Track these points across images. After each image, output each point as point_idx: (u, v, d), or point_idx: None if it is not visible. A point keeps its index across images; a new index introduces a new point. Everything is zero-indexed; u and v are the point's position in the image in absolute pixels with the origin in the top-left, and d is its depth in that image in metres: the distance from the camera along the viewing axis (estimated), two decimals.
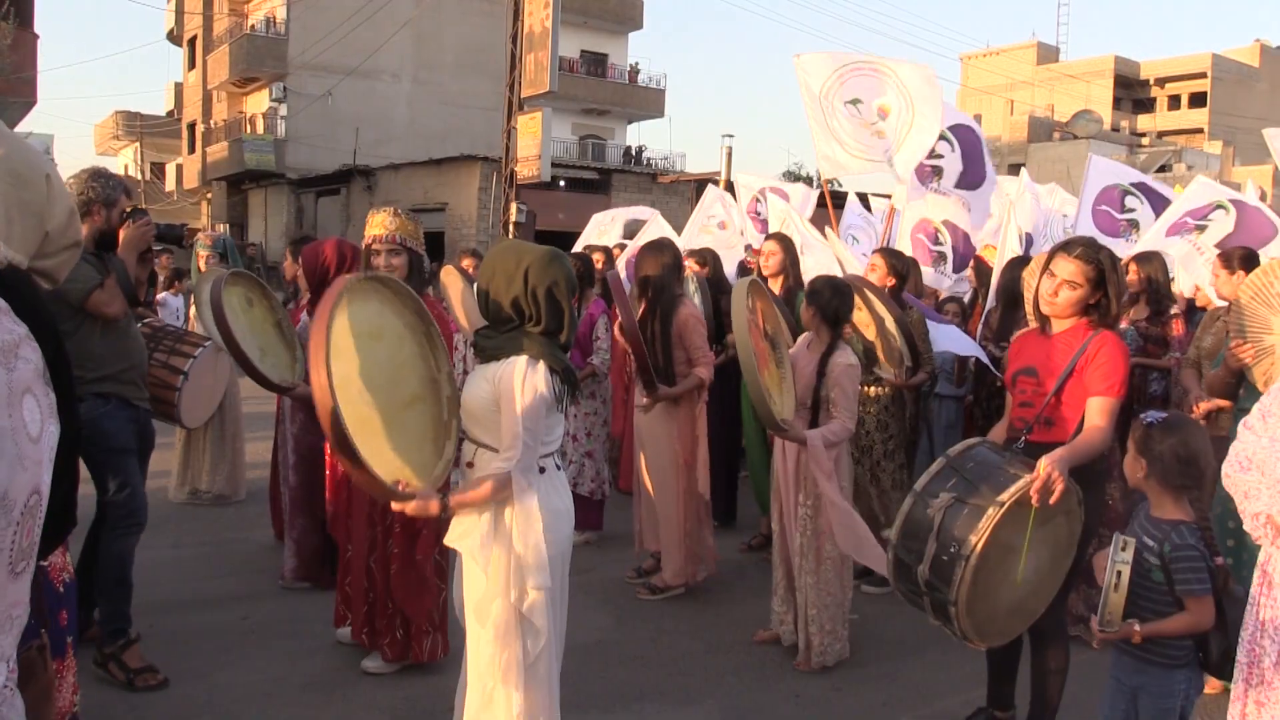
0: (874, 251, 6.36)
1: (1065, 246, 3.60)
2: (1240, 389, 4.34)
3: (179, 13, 42.48)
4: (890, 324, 5.38)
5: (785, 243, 6.44)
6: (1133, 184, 7.43)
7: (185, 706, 3.94)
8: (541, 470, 3.02)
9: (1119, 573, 2.73)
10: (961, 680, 4.32)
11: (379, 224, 4.22)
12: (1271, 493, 2.05)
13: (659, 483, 5.37)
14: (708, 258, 6.88)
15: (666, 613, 5.20)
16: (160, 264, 14.22)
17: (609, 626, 4.97)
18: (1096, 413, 3.40)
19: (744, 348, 4.13)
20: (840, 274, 6.18)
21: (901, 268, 5.99)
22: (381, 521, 4.24)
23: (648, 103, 42.12)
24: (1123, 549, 2.77)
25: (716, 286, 6.66)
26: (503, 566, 3.00)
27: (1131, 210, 7.33)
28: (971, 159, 8.19)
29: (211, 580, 5.45)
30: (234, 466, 7.16)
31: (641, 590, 5.43)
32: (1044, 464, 3.12)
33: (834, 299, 4.51)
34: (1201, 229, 6.51)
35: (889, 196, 9.25)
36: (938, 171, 8.35)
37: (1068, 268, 3.50)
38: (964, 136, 8.19)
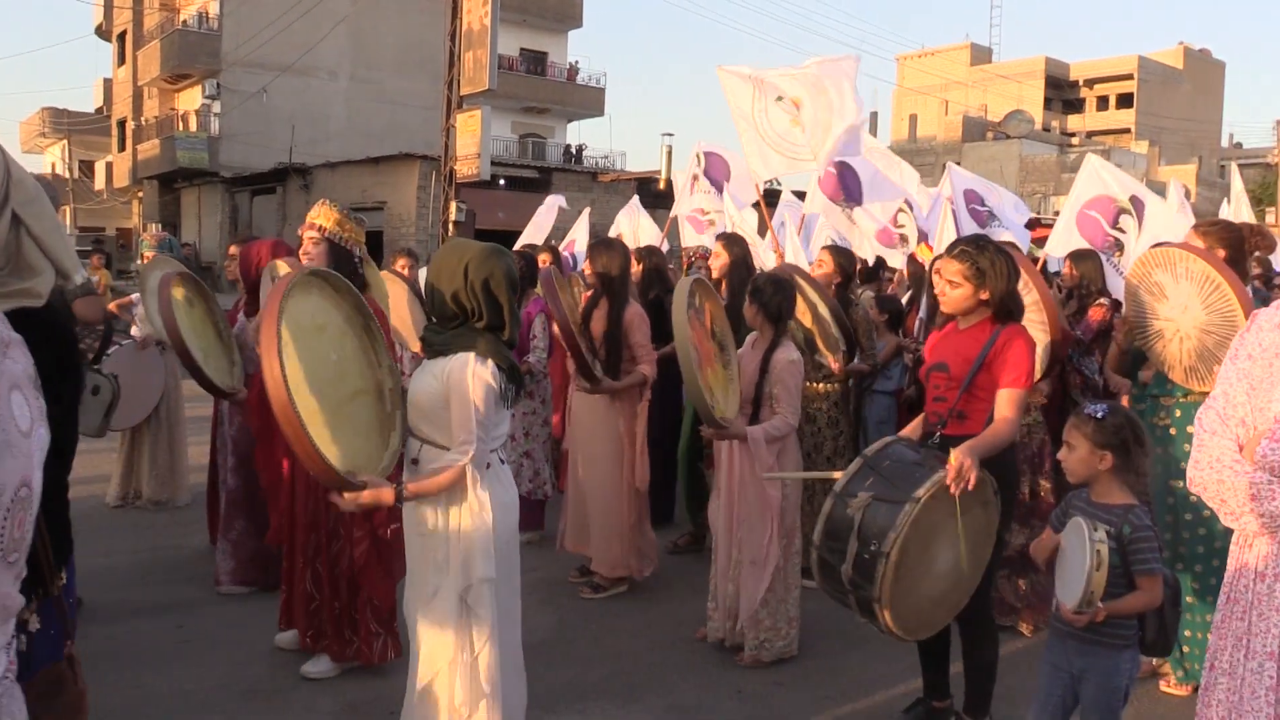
0: (822, 249, 6.34)
1: (950, 246, 3.76)
2: (1142, 370, 4.50)
3: (108, 7, 41.43)
4: (823, 309, 5.44)
5: (731, 242, 6.24)
6: (1132, 198, 6.51)
7: (118, 717, 3.85)
8: (487, 465, 3.05)
9: (1098, 552, 2.76)
10: (901, 672, 4.39)
11: (310, 213, 4.27)
12: None
13: (599, 477, 5.36)
14: (646, 254, 6.82)
15: (609, 611, 5.21)
16: (92, 264, 13.87)
17: (551, 626, 4.97)
18: (1005, 404, 3.52)
19: (682, 346, 4.15)
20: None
21: (849, 266, 6.02)
22: (325, 525, 4.20)
23: (587, 101, 42.07)
24: (1094, 530, 2.81)
25: (660, 281, 6.60)
26: (449, 558, 3.03)
27: (1122, 231, 6.50)
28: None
29: (145, 587, 5.35)
30: (174, 471, 7.00)
31: (584, 589, 5.43)
32: (954, 455, 3.23)
33: (776, 295, 4.54)
34: (1120, 246, 6.38)
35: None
36: (904, 239, 8.57)
37: (949, 267, 3.66)
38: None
